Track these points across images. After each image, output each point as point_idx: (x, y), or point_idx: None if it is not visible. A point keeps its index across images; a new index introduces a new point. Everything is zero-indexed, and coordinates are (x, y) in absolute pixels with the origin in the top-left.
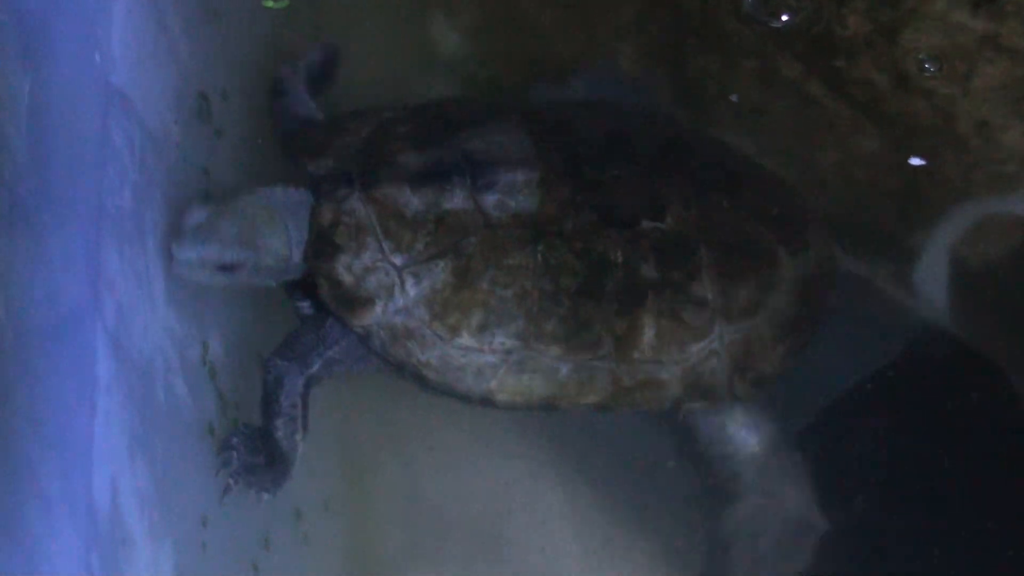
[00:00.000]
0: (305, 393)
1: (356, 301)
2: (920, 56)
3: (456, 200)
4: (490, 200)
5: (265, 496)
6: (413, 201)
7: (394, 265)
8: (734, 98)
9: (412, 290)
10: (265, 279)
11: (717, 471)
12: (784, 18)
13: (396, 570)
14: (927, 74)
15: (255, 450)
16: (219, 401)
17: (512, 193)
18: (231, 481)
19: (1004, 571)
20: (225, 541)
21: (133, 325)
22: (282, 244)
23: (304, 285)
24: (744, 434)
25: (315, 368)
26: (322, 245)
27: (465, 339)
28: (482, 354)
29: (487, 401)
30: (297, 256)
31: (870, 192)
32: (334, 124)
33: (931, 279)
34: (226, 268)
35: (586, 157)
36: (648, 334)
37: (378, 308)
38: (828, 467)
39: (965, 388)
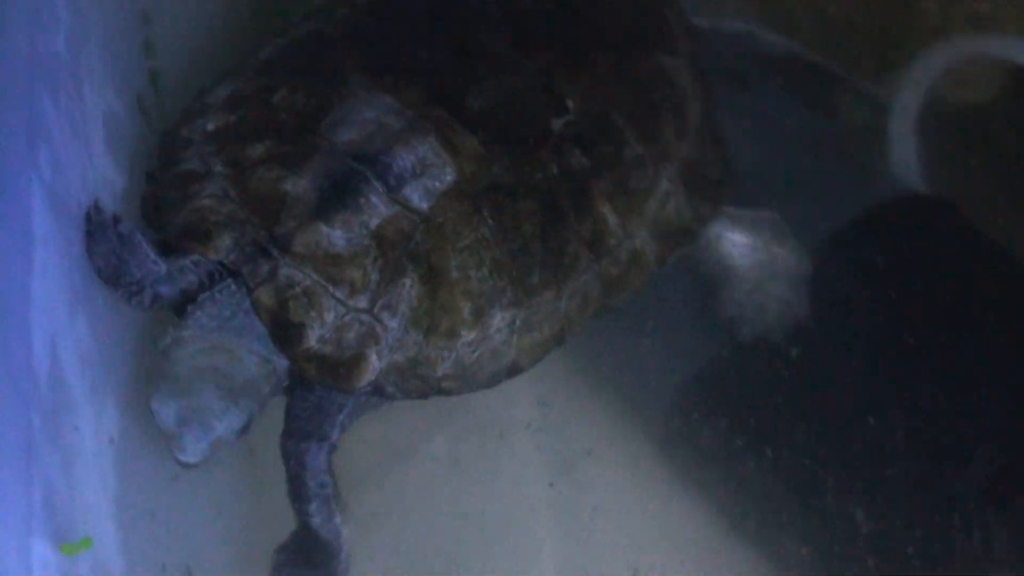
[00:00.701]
0: (329, 467)
1: (348, 364)
2: None
3: (378, 209)
4: (411, 192)
5: None
6: (336, 235)
7: (361, 310)
8: None
9: (393, 322)
10: (274, 395)
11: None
12: None
13: None
14: None
15: (297, 564)
16: None
17: (425, 172)
18: None
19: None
20: None
21: (70, 177)
22: (261, 363)
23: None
24: (732, 239)
25: (334, 436)
26: (284, 331)
27: (467, 335)
28: (490, 339)
29: (514, 372)
30: (280, 358)
31: (845, 32)
32: (172, 179)
33: (908, 123)
34: (241, 431)
35: (457, 84)
36: (611, 220)
37: (372, 360)
38: None
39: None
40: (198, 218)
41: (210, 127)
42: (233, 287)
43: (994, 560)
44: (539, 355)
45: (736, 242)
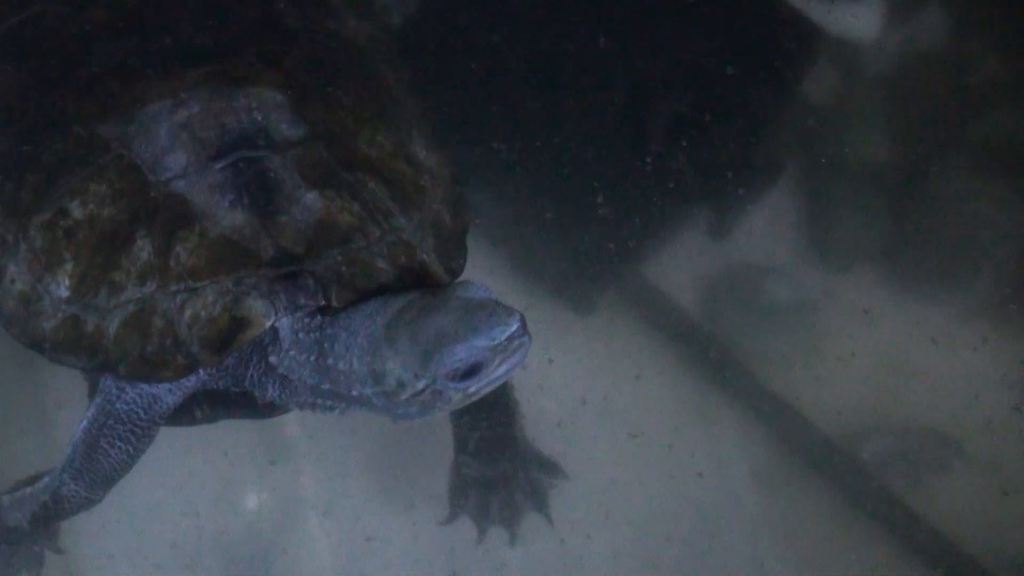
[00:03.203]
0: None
1: (426, 275)
2: None
3: (286, 164)
4: (278, 131)
5: None
6: (295, 213)
7: (381, 237)
8: None
9: (401, 221)
10: None
11: None
12: None
13: None
14: None
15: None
16: None
17: (263, 111)
18: None
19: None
20: None
21: None
22: (382, 305)
23: None
24: None
25: None
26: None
27: (426, 181)
28: (433, 171)
29: (462, 181)
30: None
31: None
32: (124, 336)
33: None
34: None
35: (175, 45)
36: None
37: (427, 258)
38: None
39: None
40: (207, 320)
41: (64, 292)
42: (295, 333)
43: (680, 190)
44: (450, 158)
45: None
